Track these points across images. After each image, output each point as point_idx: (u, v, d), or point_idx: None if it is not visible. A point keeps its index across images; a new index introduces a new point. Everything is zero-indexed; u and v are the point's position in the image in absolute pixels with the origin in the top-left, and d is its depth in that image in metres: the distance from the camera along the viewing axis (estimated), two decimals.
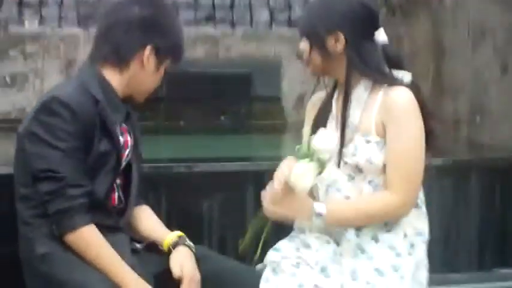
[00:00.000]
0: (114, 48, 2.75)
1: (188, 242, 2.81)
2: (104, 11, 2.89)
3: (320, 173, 2.55)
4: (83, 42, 5.81)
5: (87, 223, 2.64)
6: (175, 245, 2.79)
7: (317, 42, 2.66)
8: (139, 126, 2.94)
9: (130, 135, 2.83)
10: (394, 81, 2.66)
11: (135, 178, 2.85)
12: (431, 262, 2.73)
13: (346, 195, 2.66)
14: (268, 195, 2.60)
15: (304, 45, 2.71)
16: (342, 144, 2.64)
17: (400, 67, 2.73)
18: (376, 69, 2.66)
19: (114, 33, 2.76)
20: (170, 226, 2.92)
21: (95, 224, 2.66)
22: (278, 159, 2.66)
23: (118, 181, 2.80)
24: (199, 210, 3.60)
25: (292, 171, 2.52)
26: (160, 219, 2.97)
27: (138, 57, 2.75)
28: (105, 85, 2.75)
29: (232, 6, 6.33)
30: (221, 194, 3.61)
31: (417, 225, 2.68)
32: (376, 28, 2.69)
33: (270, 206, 2.60)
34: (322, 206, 2.61)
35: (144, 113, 5.39)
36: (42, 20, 6.01)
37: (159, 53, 2.76)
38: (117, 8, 2.81)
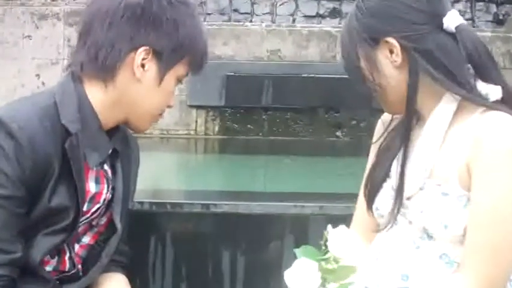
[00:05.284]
0: (93, 53, 2.07)
1: None
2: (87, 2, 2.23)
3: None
4: None
5: None
6: None
7: (364, 66, 2.02)
8: (137, 163, 2.33)
9: (109, 183, 2.21)
10: (488, 102, 1.94)
11: (113, 243, 2.24)
12: None
13: (403, 272, 1.97)
14: None
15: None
16: (399, 196, 1.99)
17: (486, 74, 1.97)
18: (461, 74, 1.96)
19: (93, 31, 2.12)
20: (178, 285, 2.59)
21: None
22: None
23: (86, 239, 2.22)
24: (218, 265, 2.77)
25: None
26: (165, 276, 2.59)
27: (127, 64, 2.10)
28: (85, 109, 2.07)
29: None
30: (248, 244, 2.77)
31: None
32: (443, 13, 1.99)
33: None
34: None
35: (244, 126, 4.82)
36: None
37: (159, 58, 2.10)
38: None
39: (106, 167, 2.18)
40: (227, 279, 2.75)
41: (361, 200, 2.17)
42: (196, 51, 2.14)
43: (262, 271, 2.74)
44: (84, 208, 2.12)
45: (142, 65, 2.08)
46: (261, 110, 5.05)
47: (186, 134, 5.17)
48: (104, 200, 2.18)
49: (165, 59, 2.09)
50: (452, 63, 1.96)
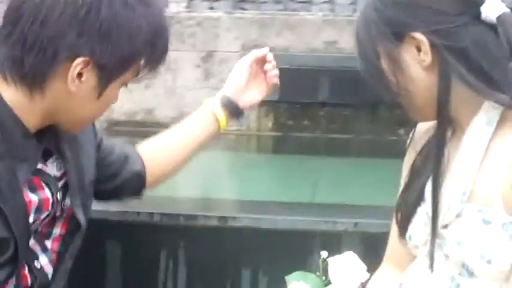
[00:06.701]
0: (19, 54, 1.70)
1: None
2: None
3: None
4: (225, 29, 4.76)
5: None
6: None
7: (386, 66, 1.69)
8: (90, 141, 2.01)
9: (50, 184, 1.85)
10: None
11: (76, 241, 1.95)
12: None
13: None
14: None
15: None
16: (435, 226, 1.68)
17: None
18: (503, 78, 1.63)
19: (22, 23, 1.71)
20: None
21: None
22: None
23: (57, 230, 1.91)
24: (237, 287, 2.47)
25: None
26: None
27: (60, 74, 1.72)
28: (4, 115, 1.74)
29: None
30: (271, 264, 2.42)
31: None
32: (480, 1, 1.65)
33: None
34: None
35: (300, 122, 4.51)
36: (191, 3, 5.08)
37: (101, 70, 1.73)
38: None
39: (40, 165, 1.84)
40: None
41: (395, 226, 1.85)
42: (153, 55, 1.79)
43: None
44: (30, 220, 1.81)
45: (80, 74, 1.72)
46: (318, 106, 4.75)
47: (237, 131, 4.87)
48: (52, 203, 1.85)
49: (108, 73, 1.74)
50: (492, 63, 1.63)
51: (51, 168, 1.88)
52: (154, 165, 2.17)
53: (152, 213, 2.42)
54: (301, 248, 2.41)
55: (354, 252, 2.39)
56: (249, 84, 2.21)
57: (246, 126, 4.87)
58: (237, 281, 2.44)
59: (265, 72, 2.21)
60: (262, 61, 2.21)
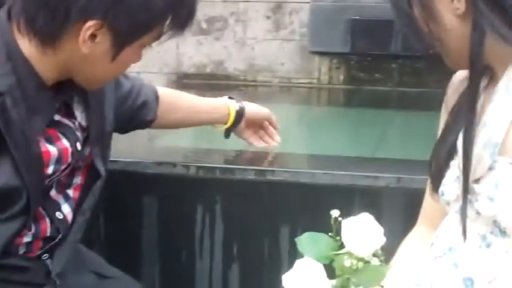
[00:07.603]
0: (31, 12, 1.66)
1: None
2: None
3: None
4: None
5: None
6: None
7: (418, 15, 1.60)
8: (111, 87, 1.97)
9: (69, 135, 1.83)
10: None
11: (96, 191, 1.92)
12: None
13: (466, 275, 1.59)
14: None
15: None
16: (466, 180, 1.58)
17: None
18: None
19: None
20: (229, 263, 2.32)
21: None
22: None
23: (77, 179, 1.90)
24: (275, 242, 2.37)
25: None
26: (215, 252, 2.31)
27: (72, 34, 1.68)
28: (16, 60, 1.68)
29: None
30: (310, 220, 2.17)
31: None
32: None
33: None
34: None
35: (372, 75, 4.38)
36: None
37: (116, 33, 1.67)
38: None
39: (58, 117, 1.81)
40: (285, 259, 2.36)
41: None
42: (176, 20, 1.73)
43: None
44: (50, 171, 1.78)
45: (94, 36, 1.67)
46: (390, 58, 4.57)
47: (308, 83, 4.75)
48: (72, 153, 1.83)
49: (122, 37, 1.69)
50: None
51: (80, 119, 1.85)
52: (164, 119, 2.20)
53: (188, 165, 2.36)
54: (340, 204, 2.30)
55: (396, 209, 2.29)
56: (256, 124, 2.45)
57: (317, 79, 4.76)
58: (275, 236, 2.36)
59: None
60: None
